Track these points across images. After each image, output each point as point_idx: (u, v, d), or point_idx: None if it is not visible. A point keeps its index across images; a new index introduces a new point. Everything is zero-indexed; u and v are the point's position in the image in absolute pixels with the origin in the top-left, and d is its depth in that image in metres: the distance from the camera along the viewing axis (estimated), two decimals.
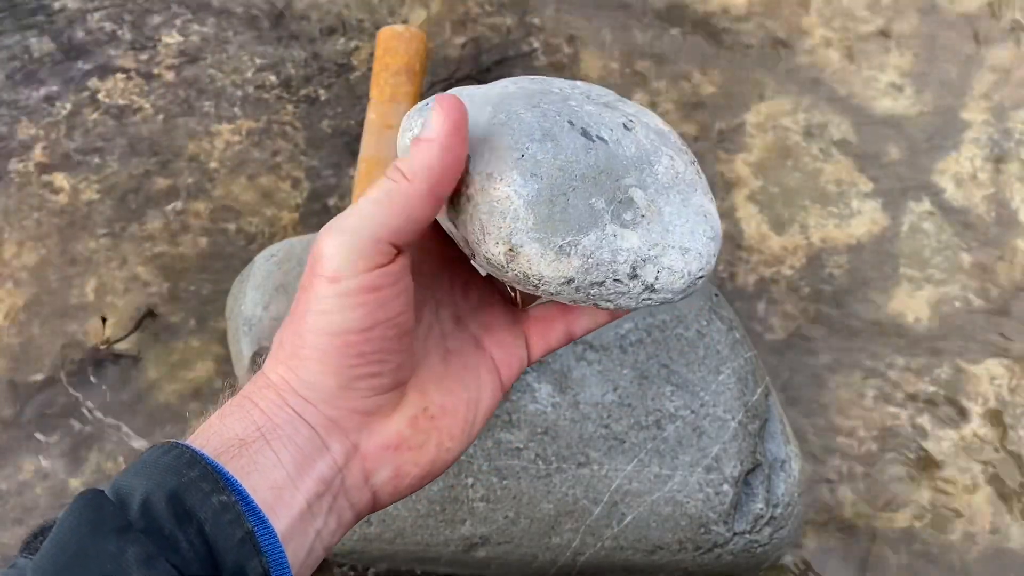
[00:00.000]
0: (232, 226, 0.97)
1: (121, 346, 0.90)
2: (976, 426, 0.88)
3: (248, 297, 0.74)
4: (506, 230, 0.34)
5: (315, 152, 1.03)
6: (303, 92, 1.08)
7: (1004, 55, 1.12)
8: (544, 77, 0.40)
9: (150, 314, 0.92)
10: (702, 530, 0.69)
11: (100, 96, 1.07)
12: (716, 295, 0.77)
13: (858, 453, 0.86)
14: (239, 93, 1.07)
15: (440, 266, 0.38)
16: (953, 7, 1.16)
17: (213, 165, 1.02)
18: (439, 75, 1.09)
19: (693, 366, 0.72)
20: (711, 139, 1.06)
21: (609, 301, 0.37)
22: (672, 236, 0.36)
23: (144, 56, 1.10)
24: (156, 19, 1.13)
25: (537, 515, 0.69)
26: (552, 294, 0.36)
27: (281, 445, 0.31)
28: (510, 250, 0.34)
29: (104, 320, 0.90)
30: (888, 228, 1.00)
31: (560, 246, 0.34)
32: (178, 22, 1.13)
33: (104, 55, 1.10)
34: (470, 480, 0.69)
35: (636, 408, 0.70)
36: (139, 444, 0.85)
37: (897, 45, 1.13)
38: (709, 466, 0.69)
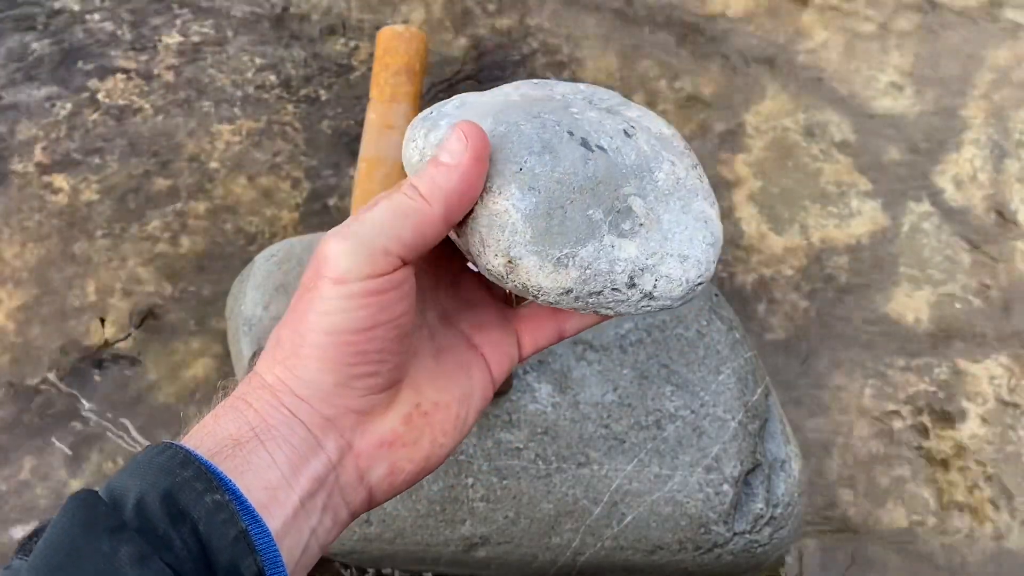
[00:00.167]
0: (232, 226, 0.98)
1: (121, 346, 0.90)
2: (976, 426, 0.88)
3: (248, 297, 0.74)
4: (504, 243, 0.35)
5: (315, 152, 1.03)
6: (303, 92, 1.08)
7: (1004, 55, 1.12)
8: (548, 80, 0.40)
9: (150, 314, 0.92)
10: (702, 530, 0.69)
11: (100, 96, 1.07)
12: (716, 295, 0.77)
13: (858, 453, 0.86)
14: (239, 93, 1.07)
15: (426, 265, 0.38)
16: (953, 7, 1.16)
17: (213, 165, 1.02)
18: (440, 75, 1.09)
19: (693, 366, 0.72)
20: (711, 139, 1.06)
21: (608, 308, 0.37)
22: (671, 244, 0.37)
23: (144, 56, 1.10)
24: (156, 19, 1.13)
25: (537, 515, 0.69)
26: (552, 303, 0.36)
27: (275, 445, 0.31)
28: (509, 262, 0.35)
29: (103, 321, 0.90)
30: (888, 228, 1.00)
31: (558, 258, 0.35)
32: (178, 22, 1.13)
33: (104, 55, 1.10)
34: (470, 480, 0.69)
35: (636, 408, 0.70)
36: (139, 444, 0.85)
37: (897, 45, 1.13)
38: (709, 466, 0.69)
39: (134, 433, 0.86)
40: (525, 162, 0.34)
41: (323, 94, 1.08)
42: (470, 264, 0.39)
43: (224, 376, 0.88)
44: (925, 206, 1.01)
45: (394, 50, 0.91)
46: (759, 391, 0.73)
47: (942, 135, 1.06)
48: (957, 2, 1.16)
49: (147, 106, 1.06)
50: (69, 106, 1.06)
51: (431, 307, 0.38)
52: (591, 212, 0.35)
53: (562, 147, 0.35)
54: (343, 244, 0.31)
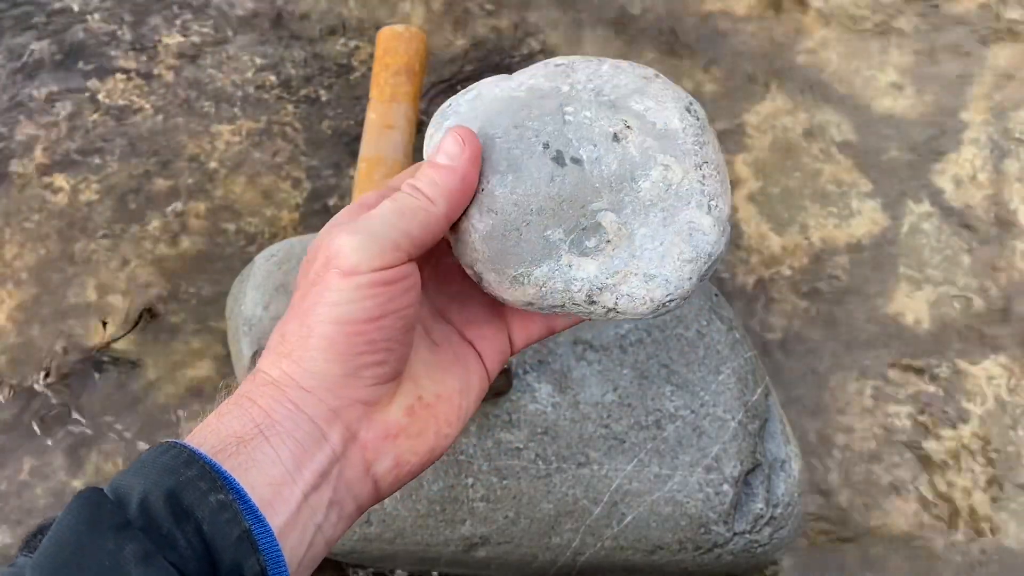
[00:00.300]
0: (232, 226, 0.98)
1: (121, 347, 0.90)
2: (975, 426, 0.88)
3: (248, 297, 0.74)
4: (468, 258, 0.37)
5: (315, 152, 1.03)
6: (303, 92, 1.08)
7: (1004, 55, 1.12)
8: (570, 62, 0.39)
9: (149, 312, 0.92)
10: (702, 530, 0.69)
11: (100, 96, 1.07)
12: (716, 295, 0.77)
13: (858, 453, 0.86)
14: (239, 93, 1.07)
15: (419, 262, 0.38)
16: (953, 7, 1.16)
17: (213, 165, 1.02)
18: (440, 75, 1.09)
19: (693, 366, 0.72)
20: None
21: (579, 315, 0.38)
22: (638, 262, 0.36)
23: (144, 56, 1.10)
24: (156, 19, 1.13)
25: (537, 515, 0.69)
26: (522, 309, 0.38)
27: (280, 441, 0.31)
28: (475, 274, 0.37)
29: (104, 324, 0.90)
30: (888, 228, 1.00)
31: (513, 276, 0.36)
32: (178, 22, 1.13)
33: (104, 55, 1.10)
34: (470, 480, 0.69)
35: (636, 408, 0.71)
36: (139, 445, 0.85)
37: (897, 45, 1.14)
38: (709, 466, 0.69)
39: (134, 434, 0.86)
40: (488, 182, 0.35)
41: (323, 94, 1.08)
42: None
43: (224, 376, 0.88)
44: (925, 206, 1.01)
45: (394, 50, 0.91)
46: (759, 391, 0.73)
47: (942, 135, 1.06)
48: (957, 2, 1.17)
49: (147, 106, 1.06)
50: (69, 106, 1.06)
51: (425, 302, 0.38)
52: (549, 233, 0.35)
53: (530, 164, 0.35)
54: (355, 238, 0.32)
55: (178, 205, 0.99)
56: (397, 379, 0.35)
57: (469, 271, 0.37)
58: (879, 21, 1.15)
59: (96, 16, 1.13)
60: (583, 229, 0.36)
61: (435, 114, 0.39)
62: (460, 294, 0.39)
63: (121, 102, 1.06)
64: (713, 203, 0.36)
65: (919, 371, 0.91)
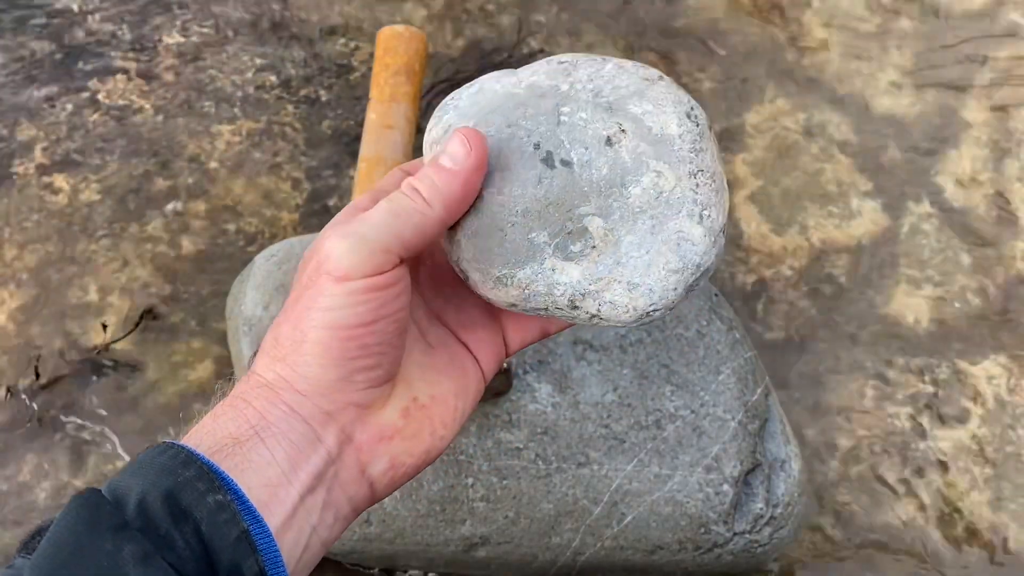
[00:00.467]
0: (232, 226, 0.98)
1: (121, 347, 0.90)
2: (975, 426, 0.88)
3: (248, 297, 0.74)
4: (455, 255, 0.37)
5: (315, 152, 1.03)
6: (303, 92, 1.08)
7: (1004, 55, 1.12)
8: (574, 60, 0.38)
9: (150, 313, 0.92)
10: (702, 530, 0.69)
11: (100, 97, 1.07)
12: (716, 295, 0.77)
13: (858, 453, 0.86)
14: (239, 93, 1.07)
15: (414, 263, 0.39)
16: (953, 7, 1.16)
17: (213, 165, 1.02)
18: (440, 75, 1.09)
19: (693, 366, 0.72)
20: None
21: (563, 319, 0.38)
22: (622, 269, 0.35)
23: (144, 57, 1.10)
24: (156, 20, 1.13)
25: (537, 515, 0.69)
26: (507, 309, 0.38)
27: (275, 442, 0.32)
28: (461, 272, 0.37)
29: (105, 327, 0.90)
30: (888, 228, 1.00)
31: (497, 277, 0.36)
32: (178, 23, 1.13)
33: (104, 56, 1.10)
34: (470, 480, 0.69)
35: (636, 408, 0.71)
36: (140, 445, 0.85)
37: (897, 45, 1.14)
38: (709, 466, 0.69)
39: (134, 434, 0.86)
40: None
41: (323, 94, 1.08)
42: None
43: (225, 376, 0.88)
44: (925, 206, 1.01)
45: (394, 50, 0.91)
46: (759, 391, 0.73)
47: (942, 135, 1.06)
48: (957, 2, 1.17)
49: (147, 106, 1.06)
50: (69, 106, 1.06)
51: (420, 304, 0.38)
52: (533, 235, 0.35)
53: (519, 164, 0.35)
54: (345, 242, 0.32)
55: (178, 205, 0.99)
56: (391, 381, 0.35)
57: (456, 268, 0.37)
58: (879, 21, 1.15)
59: (96, 16, 1.13)
60: (569, 233, 0.35)
61: (437, 107, 0.39)
62: (455, 296, 0.39)
63: (121, 102, 1.06)
64: (706, 212, 0.35)
65: (919, 371, 0.91)
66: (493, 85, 0.38)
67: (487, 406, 0.70)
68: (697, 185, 0.35)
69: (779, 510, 0.71)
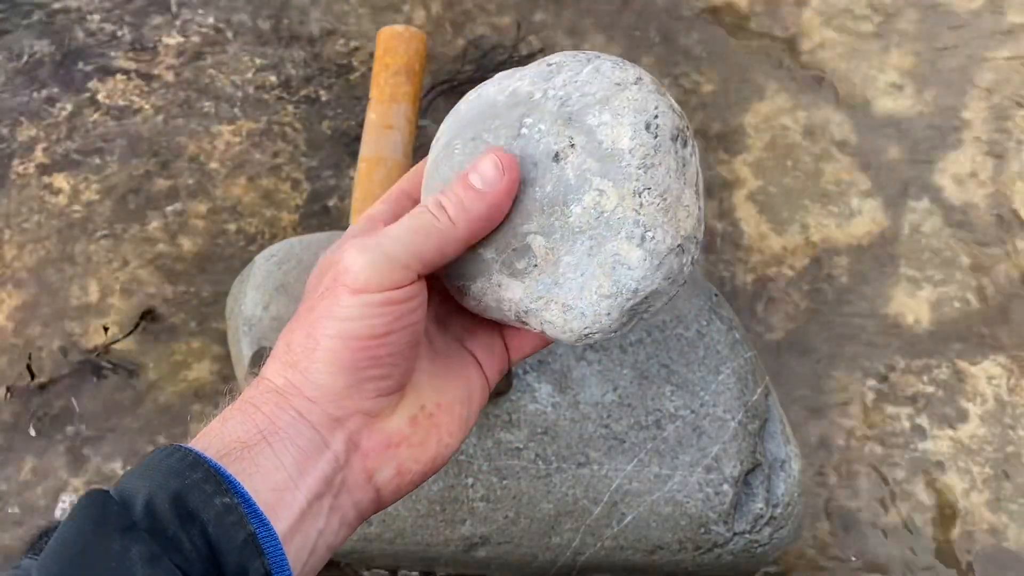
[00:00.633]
0: (232, 227, 0.98)
1: (121, 348, 0.90)
2: (975, 426, 0.88)
3: (248, 297, 0.74)
4: None
5: (315, 153, 1.03)
6: (303, 93, 1.08)
7: (1004, 55, 1.12)
8: (558, 64, 0.37)
9: (150, 314, 0.92)
10: (702, 530, 0.69)
11: (100, 97, 1.07)
12: (716, 295, 0.77)
13: (858, 453, 0.86)
14: (239, 94, 1.07)
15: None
16: (953, 6, 1.16)
17: (213, 166, 1.02)
18: (440, 75, 1.09)
19: (693, 366, 0.72)
20: (710, 139, 1.06)
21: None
22: (558, 290, 0.35)
23: (144, 57, 1.10)
24: (156, 20, 1.13)
25: (537, 515, 0.69)
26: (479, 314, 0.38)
27: (283, 447, 0.32)
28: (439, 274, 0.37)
29: (106, 329, 0.90)
30: (888, 228, 1.00)
31: (458, 287, 0.37)
32: (178, 23, 1.13)
33: (104, 56, 1.10)
34: (470, 480, 0.69)
35: (636, 408, 0.71)
36: (140, 445, 0.85)
37: (897, 45, 1.14)
38: (709, 466, 0.69)
39: (134, 434, 0.86)
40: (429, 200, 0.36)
41: (323, 95, 1.08)
42: None
43: (224, 377, 0.88)
44: (925, 206, 1.01)
45: (394, 50, 0.91)
46: (759, 391, 0.73)
47: (942, 135, 1.06)
48: (957, 2, 1.17)
49: (147, 107, 1.06)
50: (69, 107, 1.06)
51: (428, 312, 0.39)
52: (482, 250, 0.35)
53: None
54: (364, 256, 0.32)
55: (178, 205, 0.99)
56: (401, 391, 0.35)
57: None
58: (879, 21, 1.15)
59: (96, 16, 1.13)
60: (514, 250, 0.35)
61: (453, 109, 0.39)
62: (457, 307, 0.40)
63: (121, 102, 1.06)
64: (649, 234, 0.34)
65: (919, 371, 0.91)
66: (488, 90, 0.38)
67: (487, 406, 0.70)
68: (641, 205, 0.34)
69: (779, 510, 0.71)
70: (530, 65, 0.38)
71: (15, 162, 1.01)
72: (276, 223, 0.98)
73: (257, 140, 1.04)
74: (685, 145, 0.35)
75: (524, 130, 0.35)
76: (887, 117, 1.08)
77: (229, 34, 1.12)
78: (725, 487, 0.69)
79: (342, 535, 0.33)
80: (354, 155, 1.01)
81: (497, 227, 0.35)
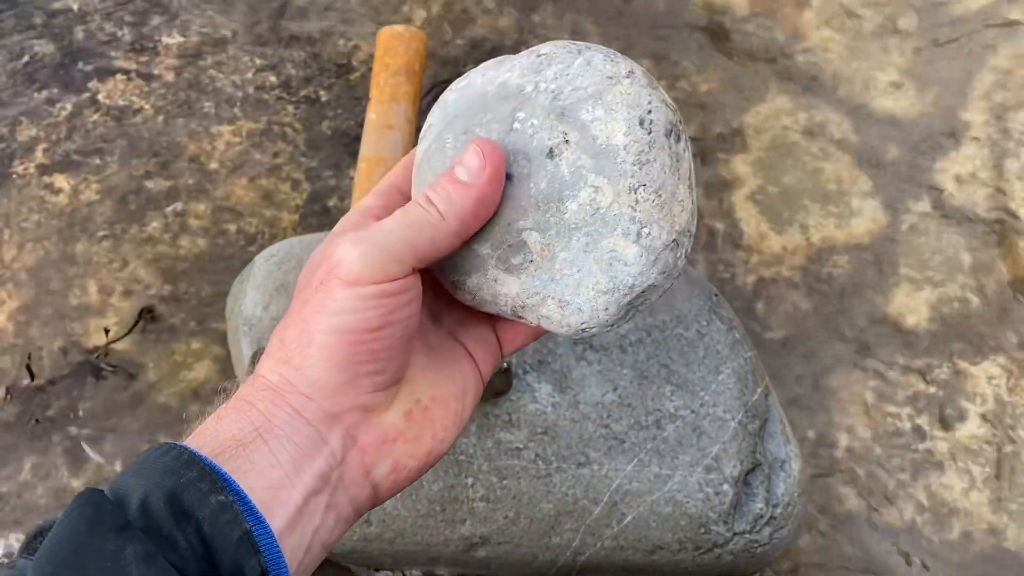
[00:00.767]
0: (232, 227, 0.98)
1: (121, 348, 0.90)
2: (975, 426, 0.88)
3: (248, 297, 0.74)
4: None
5: (315, 153, 1.03)
6: (303, 93, 1.08)
7: (1004, 55, 1.12)
8: (548, 56, 0.36)
9: (149, 312, 0.92)
10: (702, 530, 0.69)
11: (100, 97, 1.07)
12: (716, 295, 0.77)
13: (858, 453, 0.86)
14: (239, 94, 1.07)
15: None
16: (953, 6, 1.16)
17: (213, 166, 1.02)
18: (440, 76, 1.09)
19: (693, 366, 0.72)
20: (711, 139, 1.06)
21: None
22: (555, 286, 0.35)
23: (144, 57, 1.10)
24: (156, 20, 1.13)
25: (537, 515, 0.69)
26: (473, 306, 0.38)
27: (279, 444, 0.32)
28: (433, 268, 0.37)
29: (107, 332, 0.90)
30: (888, 228, 1.00)
31: (453, 281, 0.37)
32: (178, 23, 1.13)
33: (104, 56, 1.10)
34: (470, 480, 0.69)
35: (636, 408, 0.71)
36: (139, 445, 0.85)
37: (897, 45, 1.14)
38: (709, 466, 0.69)
39: (134, 434, 0.86)
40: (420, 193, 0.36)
41: (323, 95, 1.08)
42: None
43: (224, 377, 0.88)
44: (925, 206, 1.01)
45: (394, 50, 0.92)
46: (759, 391, 0.73)
47: (942, 135, 1.06)
48: (958, 2, 1.17)
49: (147, 107, 1.06)
50: (69, 107, 1.06)
51: (422, 307, 0.39)
52: (477, 246, 0.35)
53: None
54: (357, 249, 0.32)
55: (178, 205, 0.99)
56: (396, 385, 0.35)
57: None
58: (879, 21, 1.15)
59: (96, 16, 1.13)
60: (509, 246, 0.35)
61: (440, 97, 0.39)
62: (450, 302, 0.40)
63: (121, 103, 1.06)
64: (645, 230, 0.34)
65: (919, 371, 0.91)
66: (477, 79, 0.38)
67: (487, 406, 0.70)
68: (636, 201, 0.34)
69: (779, 510, 0.71)
70: (519, 55, 0.38)
71: (15, 162, 1.01)
72: (276, 223, 0.98)
73: (257, 140, 1.04)
74: (678, 140, 0.35)
75: (517, 124, 0.35)
76: (887, 117, 1.08)
77: (229, 34, 1.12)
78: (725, 487, 0.69)
79: (338, 532, 0.33)
80: (354, 155, 1.01)
81: (492, 222, 0.35)
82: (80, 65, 1.09)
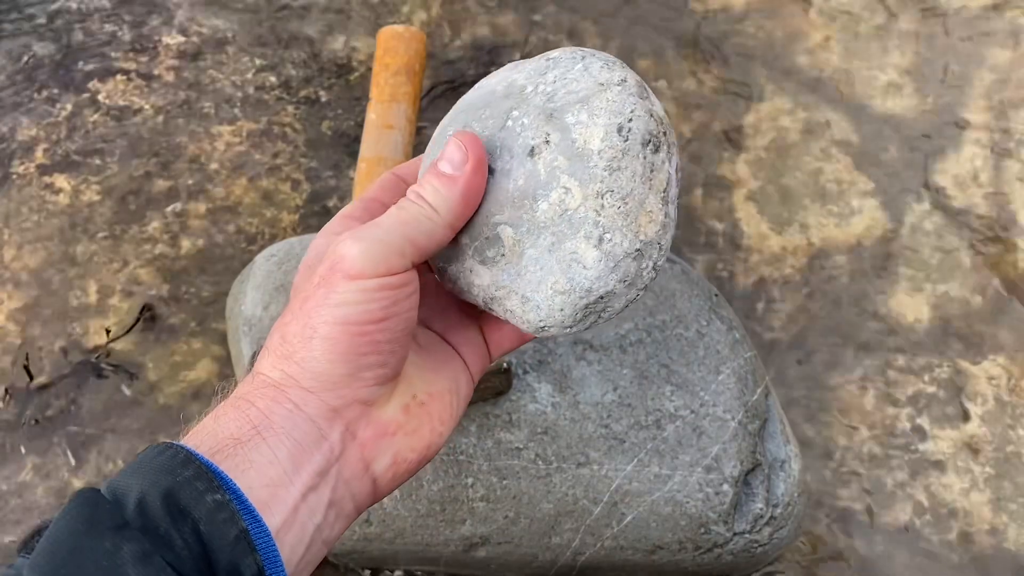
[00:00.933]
0: (232, 227, 0.98)
1: (121, 348, 0.90)
2: (975, 426, 0.88)
3: (248, 297, 0.74)
4: None
5: (315, 153, 1.03)
6: (303, 93, 1.08)
7: (1004, 55, 1.12)
8: (555, 60, 0.37)
9: (149, 309, 0.92)
10: (702, 530, 0.69)
11: (100, 97, 1.07)
12: (716, 295, 0.77)
13: (858, 453, 0.86)
14: (239, 94, 1.07)
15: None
16: (953, 6, 1.16)
17: (213, 166, 1.02)
18: (441, 76, 1.09)
19: (693, 366, 0.72)
20: (711, 139, 1.06)
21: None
22: (520, 282, 0.36)
23: (144, 57, 1.10)
24: (156, 20, 1.13)
25: (537, 515, 0.69)
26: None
27: (278, 440, 0.32)
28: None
29: (108, 332, 0.90)
30: (888, 228, 1.00)
31: (439, 267, 0.38)
32: (178, 23, 1.13)
33: (104, 56, 1.10)
34: (470, 480, 0.69)
35: (636, 408, 0.71)
36: (139, 445, 0.85)
37: (897, 45, 1.14)
38: (709, 466, 0.69)
39: (134, 434, 0.86)
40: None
41: (323, 95, 1.08)
42: None
43: (224, 377, 0.88)
44: (925, 206, 1.01)
45: (394, 50, 0.91)
46: (759, 391, 0.73)
47: (942, 135, 1.06)
48: (957, 2, 1.17)
49: (147, 107, 1.06)
50: (69, 107, 1.06)
51: None
52: (459, 236, 0.37)
53: None
54: (359, 244, 0.33)
55: (178, 206, 0.99)
56: (395, 380, 0.35)
57: None
58: (879, 21, 1.15)
59: (96, 16, 1.13)
60: (486, 239, 0.36)
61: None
62: (437, 303, 0.41)
63: (121, 103, 1.06)
64: (607, 236, 0.34)
65: (919, 371, 0.91)
66: (492, 78, 0.39)
67: (487, 406, 0.70)
68: (603, 206, 0.34)
69: (779, 510, 0.71)
70: (534, 58, 0.39)
71: (15, 162, 1.01)
72: (276, 223, 0.98)
73: (257, 140, 1.04)
74: (657, 151, 0.35)
75: (509, 122, 0.36)
76: (887, 117, 1.07)
77: (229, 34, 1.12)
78: (725, 487, 0.69)
79: (338, 528, 0.34)
80: (354, 155, 1.01)
81: (474, 214, 0.36)
82: (80, 65, 1.09)
